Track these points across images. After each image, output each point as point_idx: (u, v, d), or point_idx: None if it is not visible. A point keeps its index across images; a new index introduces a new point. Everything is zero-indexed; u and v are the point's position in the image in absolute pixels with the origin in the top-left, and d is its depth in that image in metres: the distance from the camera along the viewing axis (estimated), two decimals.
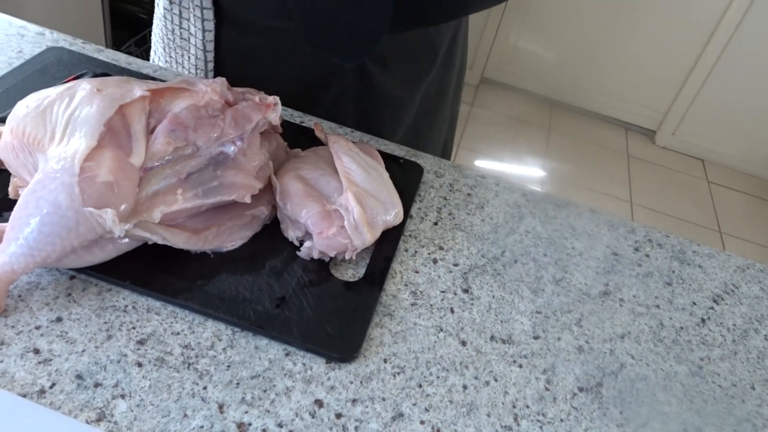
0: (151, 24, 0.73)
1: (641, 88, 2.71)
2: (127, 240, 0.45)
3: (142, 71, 0.65)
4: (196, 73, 0.69)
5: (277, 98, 0.52)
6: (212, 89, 0.49)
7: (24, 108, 0.45)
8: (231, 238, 0.49)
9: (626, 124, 2.84)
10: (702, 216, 2.44)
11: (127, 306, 0.44)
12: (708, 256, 0.61)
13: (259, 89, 0.54)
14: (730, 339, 0.53)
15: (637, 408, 0.46)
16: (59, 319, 0.42)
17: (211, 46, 0.66)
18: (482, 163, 2.41)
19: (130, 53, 1.38)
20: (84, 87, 0.46)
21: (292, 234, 0.50)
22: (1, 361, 0.39)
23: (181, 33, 0.68)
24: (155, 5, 0.71)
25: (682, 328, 0.53)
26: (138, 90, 0.46)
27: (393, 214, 0.52)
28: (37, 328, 0.42)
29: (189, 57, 0.69)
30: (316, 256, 0.49)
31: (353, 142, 0.56)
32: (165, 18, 0.68)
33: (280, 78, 0.65)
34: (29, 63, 0.63)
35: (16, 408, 0.37)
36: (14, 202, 0.44)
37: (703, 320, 0.54)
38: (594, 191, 2.40)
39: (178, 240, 0.46)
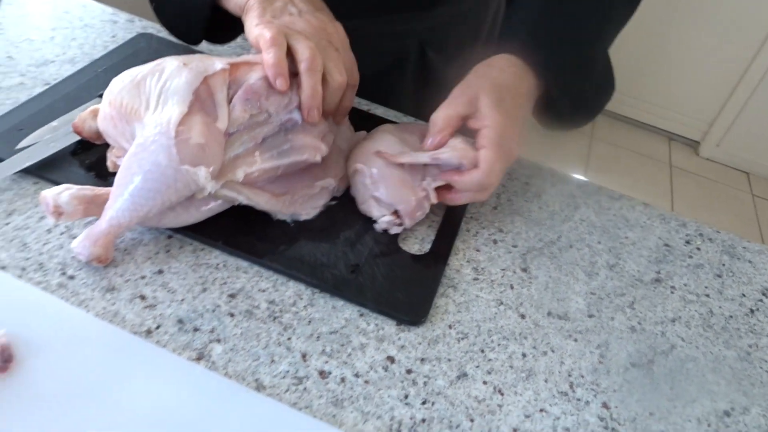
0: None
1: (686, 97, 2.69)
2: (217, 202, 0.50)
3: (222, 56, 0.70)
4: None
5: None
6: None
7: (120, 82, 0.50)
8: (304, 206, 0.54)
9: (670, 133, 2.82)
10: (745, 229, 2.41)
11: (218, 264, 0.49)
12: (758, 252, 0.63)
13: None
14: None
15: (687, 386, 0.49)
16: (161, 272, 0.47)
17: None
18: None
19: None
20: (172, 62, 0.50)
21: (376, 212, 0.54)
22: (113, 304, 0.44)
23: None
24: None
25: (731, 316, 0.55)
26: (219, 63, 0.51)
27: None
28: (142, 277, 0.46)
29: None
30: (393, 231, 0.53)
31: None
32: None
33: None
34: (122, 47, 0.68)
35: (129, 344, 0.41)
36: (112, 173, 0.49)
37: (752, 311, 0.57)
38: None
39: (260, 200, 0.51)
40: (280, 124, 0.52)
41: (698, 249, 0.62)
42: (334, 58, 0.52)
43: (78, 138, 0.54)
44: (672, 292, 0.56)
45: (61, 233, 0.48)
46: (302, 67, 0.50)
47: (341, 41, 0.55)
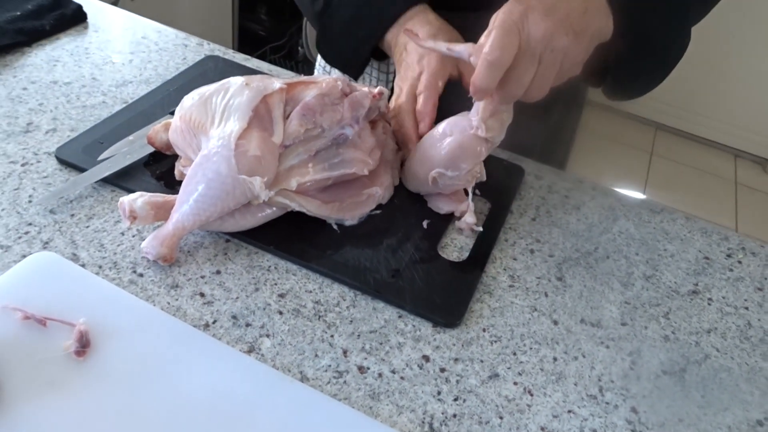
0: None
1: (754, 113, 2.60)
2: (272, 209, 0.54)
3: (280, 76, 0.76)
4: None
5: (384, 89, 0.60)
6: (333, 80, 0.58)
7: (190, 99, 0.56)
8: (351, 213, 0.58)
9: (736, 150, 2.73)
10: None
11: (270, 266, 0.53)
12: None
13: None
14: None
15: (719, 394, 0.49)
16: (218, 272, 0.52)
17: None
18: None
19: None
20: (236, 81, 0.56)
21: (446, 208, 0.60)
22: (176, 300, 0.49)
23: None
24: None
25: None
26: (277, 83, 0.56)
27: None
28: (202, 277, 0.51)
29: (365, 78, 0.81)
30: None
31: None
32: None
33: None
34: (192, 68, 0.75)
35: (189, 335, 0.46)
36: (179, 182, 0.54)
37: None
38: (697, 219, 2.32)
39: (311, 206, 0.55)
40: (333, 139, 0.57)
41: (739, 262, 0.62)
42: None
43: (151, 150, 0.60)
44: (709, 304, 0.57)
45: (133, 236, 0.54)
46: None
47: None
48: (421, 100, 0.61)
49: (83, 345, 0.43)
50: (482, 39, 0.50)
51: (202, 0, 1.75)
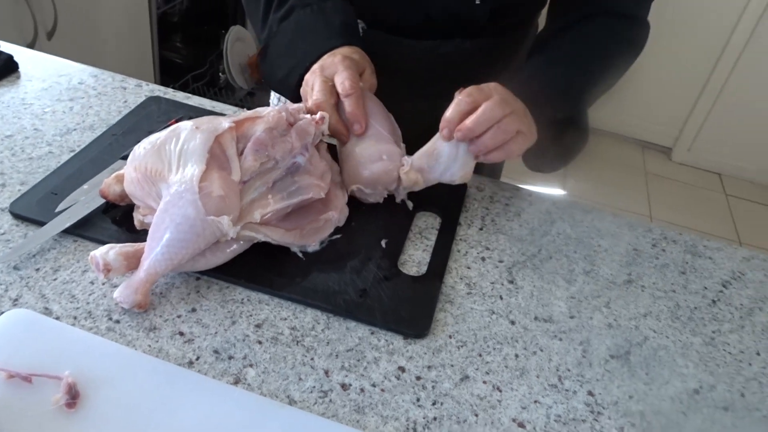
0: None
1: (656, 106, 2.82)
2: (239, 243, 0.57)
3: (225, 112, 0.78)
4: None
5: (325, 114, 0.63)
6: (278, 113, 0.61)
7: (142, 149, 0.57)
8: (312, 238, 0.61)
9: (643, 142, 2.94)
10: (721, 228, 2.51)
11: (243, 299, 0.55)
12: (717, 249, 0.71)
13: (399, 124, 0.68)
14: (737, 316, 0.63)
15: (660, 371, 0.56)
16: (194, 310, 0.54)
17: None
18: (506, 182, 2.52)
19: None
20: (185, 126, 0.58)
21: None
22: (157, 342, 0.51)
23: None
24: None
25: (696, 308, 0.63)
26: (225, 122, 0.58)
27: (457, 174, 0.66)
28: (179, 316, 0.53)
29: None
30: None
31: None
32: None
33: (418, 112, 0.77)
34: (135, 111, 0.75)
35: (175, 374, 0.48)
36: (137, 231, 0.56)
37: (713, 301, 0.64)
38: (614, 208, 2.49)
39: (276, 235, 0.58)
40: (287, 169, 0.60)
41: (663, 251, 0.70)
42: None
43: None
44: (642, 291, 0.64)
45: (103, 284, 0.55)
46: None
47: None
48: (349, 102, 0.63)
49: (73, 396, 0.44)
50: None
51: (121, 34, 1.73)
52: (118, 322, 0.52)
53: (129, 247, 0.53)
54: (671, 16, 2.57)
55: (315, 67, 0.66)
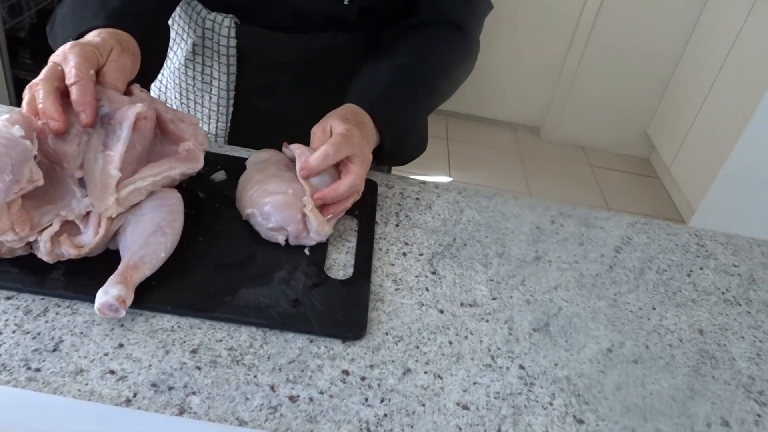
0: None
1: (522, 91, 3.01)
2: (164, 209, 0.58)
3: None
4: (218, 110, 0.83)
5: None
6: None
7: None
8: (188, 165, 0.62)
9: (514, 124, 3.13)
10: (591, 196, 2.75)
11: (173, 326, 0.54)
12: (605, 219, 0.78)
13: (273, 119, 0.68)
14: (632, 277, 0.70)
15: (576, 336, 0.61)
16: (121, 345, 0.51)
17: (233, 86, 0.81)
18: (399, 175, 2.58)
19: None
20: None
21: (281, 238, 0.62)
22: (87, 385, 0.48)
23: (203, 78, 0.82)
24: (167, 60, 0.82)
25: (597, 275, 0.69)
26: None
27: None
28: (106, 354, 0.50)
29: (211, 97, 0.82)
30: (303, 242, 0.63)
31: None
32: (186, 67, 0.82)
33: (295, 107, 0.76)
34: None
35: (114, 415, 0.45)
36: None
37: (611, 267, 0.71)
38: (496, 189, 2.64)
39: (150, 171, 0.58)
40: (101, 126, 0.58)
41: (562, 226, 0.76)
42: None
43: None
44: (550, 265, 0.69)
45: (13, 331, 0.50)
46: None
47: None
48: (75, 90, 0.56)
49: None
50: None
51: None
52: (38, 370, 0.48)
53: (119, 272, 0.52)
54: (522, 6, 2.75)
55: (68, 45, 0.60)
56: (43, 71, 0.58)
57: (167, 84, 0.89)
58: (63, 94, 0.57)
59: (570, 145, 3.09)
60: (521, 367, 0.56)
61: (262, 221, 0.62)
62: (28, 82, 0.58)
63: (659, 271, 0.72)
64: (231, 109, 0.83)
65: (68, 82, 0.57)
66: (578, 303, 0.65)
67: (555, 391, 0.55)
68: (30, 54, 2.10)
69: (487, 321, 0.61)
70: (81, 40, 0.61)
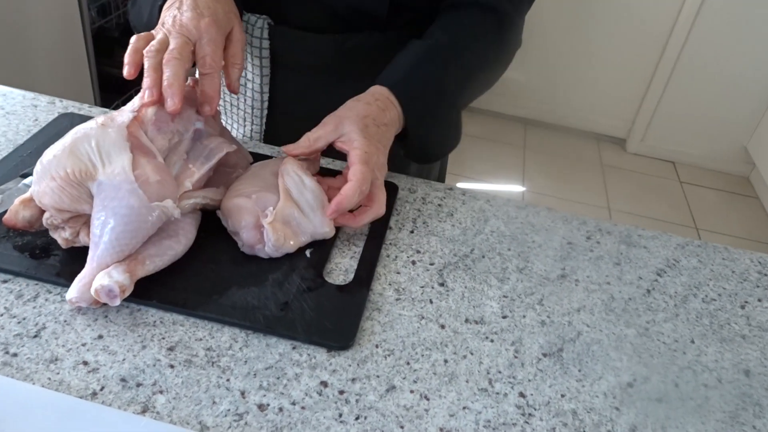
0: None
1: (608, 100, 2.85)
2: (186, 219, 0.58)
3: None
4: (252, 112, 0.82)
5: (195, 77, 0.62)
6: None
7: (51, 157, 0.53)
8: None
9: (597, 135, 2.97)
10: (678, 215, 2.55)
11: (155, 321, 0.52)
12: (651, 237, 0.70)
13: (307, 121, 0.65)
14: (672, 304, 0.62)
15: (593, 365, 0.54)
16: (100, 336, 0.50)
17: (267, 88, 0.80)
18: (465, 186, 2.52)
19: None
20: (88, 127, 0.54)
21: (238, 243, 0.60)
22: (58, 374, 0.47)
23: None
24: None
25: (630, 299, 0.62)
26: (128, 113, 0.56)
27: (321, 228, 0.60)
28: (83, 345, 0.50)
29: (246, 99, 0.82)
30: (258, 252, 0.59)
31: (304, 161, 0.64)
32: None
33: (329, 110, 0.75)
34: (45, 129, 0.72)
35: (75, 407, 0.44)
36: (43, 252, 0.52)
37: (648, 291, 0.63)
38: (573, 201, 2.51)
39: (212, 194, 0.61)
40: (191, 138, 0.60)
41: (598, 243, 0.69)
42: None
43: None
44: (576, 285, 0.63)
45: (0, 314, 0.51)
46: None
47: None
48: (205, 81, 0.59)
49: None
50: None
51: (53, 53, 1.67)
52: (15, 355, 0.48)
53: (126, 262, 0.52)
54: (614, 12, 2.61)
55: (205, 21, 0.60)
56: (176, 43, 0.57)
57: None
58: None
59: (658, 159, 2.89)
60: (521, 394, 0.51)
61: (231, 229, 0.60)
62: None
63: (706, 300, 0.63)
64: (266, 111, 0.82)
65: (200, 69, 0.60)
66: (602, 329, 0.58)
67: (556, 426, 0.49)
68: (121, 52, 2.23)
69: (492, 341, 0.55)
70: (213, 15, 0.60)
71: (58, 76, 1.70)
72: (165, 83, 0.56)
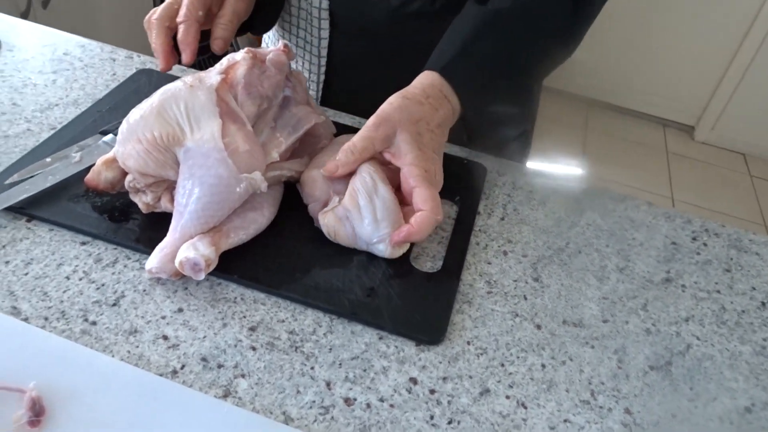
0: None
1: (678, 84, 2.70)
2: (272, 192, 0.55)
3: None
4: (309, 77, 0.79)
5: (287, 42, 0.61)
6: (246, 53, 0.56)
7: (138, 117, 0.50)
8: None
9: (664, 120, 2.83)
10: (746, 210, 2.42)
11: (236, 297, 0.49)
12: (764, 244, 0.64)
13: (363, 89, 0.62)
14: None
15: (706, 385, 0.49)
16: (180, 310, 0.48)
17: (325, 52, 0.76)
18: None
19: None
20: (176, 87, 0.51)
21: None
22: (137, 347, 0.45)
23: (297, 42, 0.78)
24: None
25: (743, 311, 0.56)
26: (216, 75, 0.52)
27: (378, 246, 0.53)
28: (163, 317, 0.47)
29: (304, 63, 0.79)
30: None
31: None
32: (282, 29, 0.79)
33: (385, 80, 0.70)
34: (124, 85, 0.69)
35: (156, 386, 0.42)
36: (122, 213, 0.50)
37: (763, 303, 0.57)
38: (633, 188, 2.40)
39: (296, 166, 0.57)
40: (279, 105, 0.57)
41: (705, 245, 0.63)
42: None
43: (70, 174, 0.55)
44: (683, 291, 0.57)
45: (80, 279, 0.49)
46: None
47: None
48: (181, 29, 0.60)
49: (37, 414, 0.39)
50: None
51: (123, 6, 1.65)
52: (94, 323, 0.46)
53: (209, 234, 0.50)
54: None
55: None
56: (160, 8, 0.61)
57: (268, 46, 0.86)
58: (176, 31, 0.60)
59: (728, 150, 2.74)
60: (627, 411, 0.46)
61: (301, 191, 0.58)
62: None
63: None
64: (323, 77, 0.79)
65: (177, 20, 0.60)
66: (714, 343, 0.53)
67: None
68: None
69: (593, 347, 0.51)
70: None
71: (125, 29, 1.69)
72: (152, 45, 0.60)
